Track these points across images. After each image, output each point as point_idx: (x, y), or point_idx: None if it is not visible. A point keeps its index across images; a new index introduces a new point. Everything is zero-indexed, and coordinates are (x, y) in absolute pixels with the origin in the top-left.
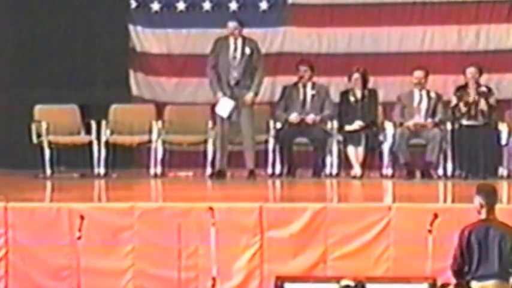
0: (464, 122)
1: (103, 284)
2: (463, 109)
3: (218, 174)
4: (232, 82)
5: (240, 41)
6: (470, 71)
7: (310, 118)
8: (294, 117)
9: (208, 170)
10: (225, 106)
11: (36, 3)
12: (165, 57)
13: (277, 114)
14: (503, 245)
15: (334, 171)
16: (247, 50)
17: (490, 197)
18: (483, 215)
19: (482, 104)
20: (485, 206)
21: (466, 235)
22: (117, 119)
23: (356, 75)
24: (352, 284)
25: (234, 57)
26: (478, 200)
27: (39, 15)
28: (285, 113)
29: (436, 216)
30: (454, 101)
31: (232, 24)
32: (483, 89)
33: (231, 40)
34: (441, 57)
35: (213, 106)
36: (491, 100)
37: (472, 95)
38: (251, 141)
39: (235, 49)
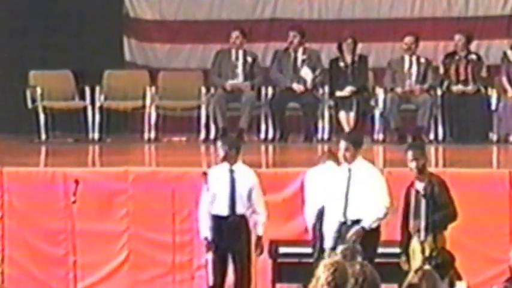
0: (454, 88)
1: (98, 247)
2: (453, 76)
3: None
4: None
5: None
6: (458, 37)
7: (298, 86)
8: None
9: (202, 135)
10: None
11: None
12: (158, 23)
13: (271, 77)
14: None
15: (326, 136)
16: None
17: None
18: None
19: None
20: (419, 160)
21: (406, 192)
22: (111, 85)
23: (349, 41)
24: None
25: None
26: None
27: None
28: (281, 75)
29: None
30: (442, 68)
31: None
32: (473, 56)
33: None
34: (431, 24)
35: (205, 72)
36: (482, 71)
37: (462, 62)
38: None
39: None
